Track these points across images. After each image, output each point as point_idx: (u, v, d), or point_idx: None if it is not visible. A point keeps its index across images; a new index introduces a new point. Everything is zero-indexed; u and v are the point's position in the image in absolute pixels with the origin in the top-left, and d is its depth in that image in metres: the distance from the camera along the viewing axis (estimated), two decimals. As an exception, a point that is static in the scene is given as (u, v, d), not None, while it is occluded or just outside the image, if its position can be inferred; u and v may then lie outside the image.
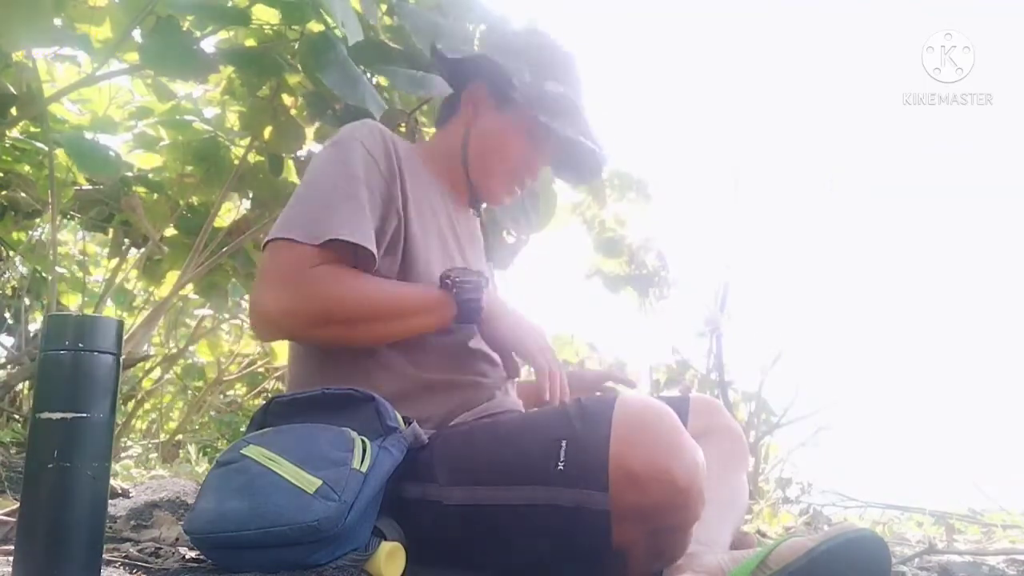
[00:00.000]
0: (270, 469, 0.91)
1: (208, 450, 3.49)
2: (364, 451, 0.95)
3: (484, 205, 1.44)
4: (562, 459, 0.96)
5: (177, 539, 1.28)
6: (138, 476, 2.28)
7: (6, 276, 3.14)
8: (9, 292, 3.12)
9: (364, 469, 0.93)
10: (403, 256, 1.19)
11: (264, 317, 1.08)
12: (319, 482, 0.89)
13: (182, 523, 1.42)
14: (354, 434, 0.97)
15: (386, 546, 0.96)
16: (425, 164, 1.32)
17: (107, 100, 2.42)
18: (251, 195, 2.47)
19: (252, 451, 0.95)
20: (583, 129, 1.28)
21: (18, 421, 2.60)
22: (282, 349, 3.12)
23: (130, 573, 1.00)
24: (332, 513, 0.87)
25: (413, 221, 1.20)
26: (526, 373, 1.33)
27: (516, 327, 1.19)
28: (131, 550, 1.13)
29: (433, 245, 1.24)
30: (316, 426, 1.00)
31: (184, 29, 1.77)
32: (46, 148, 2.16)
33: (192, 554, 1.15)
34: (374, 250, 1.10)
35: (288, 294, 1.07)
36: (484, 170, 1.33)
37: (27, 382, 2.60)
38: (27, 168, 2.47)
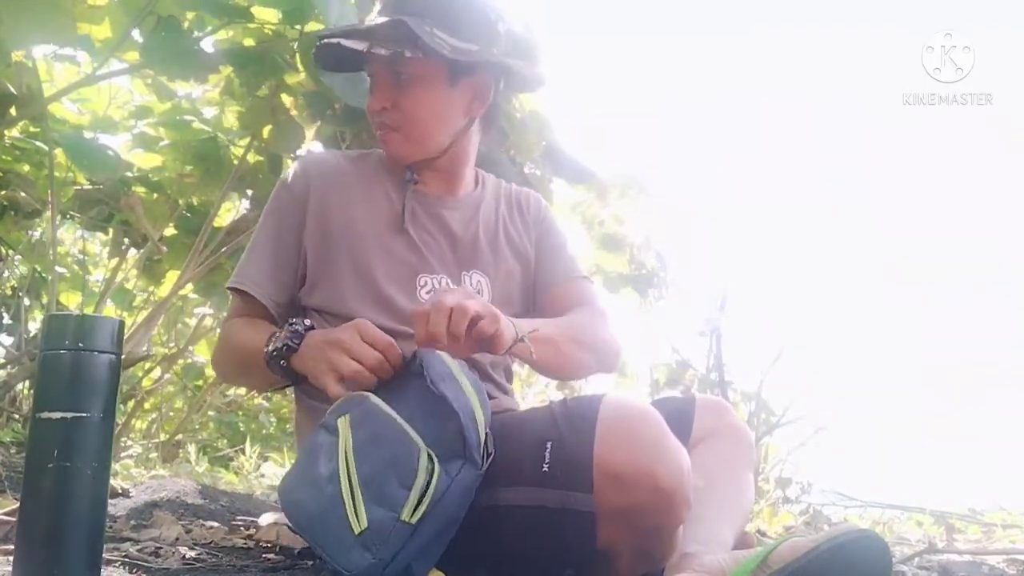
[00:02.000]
0: (339, 475, 0.93)
1: (208, 450, 3.49)
2: (426, 488, 0.91)
3: (415, 175, 1.33)
4: (547, 460, 0.97)
5: (177, 539, 1.28)
6: (138, 476, 2.28)
7: (6, 276, 3.14)
8: (9, 292, 3.12)
9: (414, 520, 0.90)
10: (339, 260, 1.25)
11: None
12: (365, 525, 0.89)
13: (183, 521, 1.43)
14: (424, 460, 0.93)
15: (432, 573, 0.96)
16: (386, 166, 1.35)
17: (107, 100, 2.42)
18: (251, 195, 2.47)
19: (343, 428, 0.97)
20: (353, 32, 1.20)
21: (18, 421, 2.60)
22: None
23: (130, 573, 1.00)
24: (365, 569, 0.87)
25: (334, 226, 1.26)
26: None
27: (306, 359, 1.08)
28: (131, 550, 1.13)
29: (366, 241, 1.26)
30: (400, 430, 0.96)
31: (184, 29, 1.77)
32: (46, 148, 2.16)
33: (192, 554, 1.15)
34: (254, 293, 1.23)
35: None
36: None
37: (27, 382, 2.60)
38: (27, 168, 2.47)
